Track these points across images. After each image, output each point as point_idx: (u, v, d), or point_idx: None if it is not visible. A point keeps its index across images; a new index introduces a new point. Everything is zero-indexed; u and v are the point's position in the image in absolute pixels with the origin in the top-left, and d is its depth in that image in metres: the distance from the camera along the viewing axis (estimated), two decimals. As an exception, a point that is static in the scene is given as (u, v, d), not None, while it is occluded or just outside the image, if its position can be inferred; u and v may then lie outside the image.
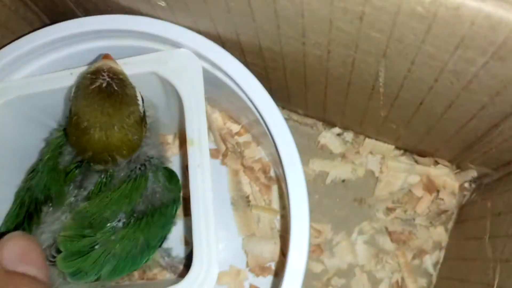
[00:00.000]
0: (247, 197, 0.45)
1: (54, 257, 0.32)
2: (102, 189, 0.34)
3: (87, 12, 0.40)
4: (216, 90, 0.37)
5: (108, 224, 0.34)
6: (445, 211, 0.44)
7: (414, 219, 0.45)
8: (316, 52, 0.32)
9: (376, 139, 0.46)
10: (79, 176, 0.35)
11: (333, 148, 0.47)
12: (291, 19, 0.28)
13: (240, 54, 0.37)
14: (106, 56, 0.33)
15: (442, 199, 0.44)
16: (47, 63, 0.37)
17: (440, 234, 0.44)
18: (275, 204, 0.45)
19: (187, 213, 0.34)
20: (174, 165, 0.41)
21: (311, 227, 0.45)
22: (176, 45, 0.35)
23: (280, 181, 0.44)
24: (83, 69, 0.35)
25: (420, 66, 0.28)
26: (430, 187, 0.44)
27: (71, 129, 0.33)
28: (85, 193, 0.35)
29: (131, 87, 0.33)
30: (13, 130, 0.38)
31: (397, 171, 0.45)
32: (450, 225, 0.44)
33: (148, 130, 0.36)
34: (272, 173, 0.45)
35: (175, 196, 0.37)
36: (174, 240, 0.44)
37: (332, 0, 0.25)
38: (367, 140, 0.46)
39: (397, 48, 0.27)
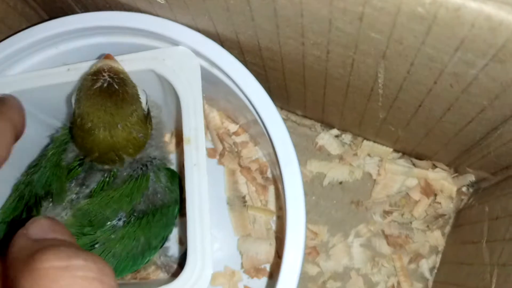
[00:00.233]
0: (244, 197, 0.45)
1: None
2: (105, 188, 0.35)
3: (86, 8, 0.40)
4: (214, 88, 0.37)
5: (108, 223, 0.34)
6: (442, 215, 0.44)
7: (411, 223, 0.44)
8: (315, 53, 0.31)
9: (374, 142, 0.45)
10: (82, 174, 0.35)
11: (331, 149, 0.46)
12: (290, 18, 0.28)
13: (239, 53, 0.36)
14: (107, 56, 0.33)
15: (440, 203, 0.44)
16: (45, 58, 0.37)
17: (437, 238, 0.44)
18: (272, 205, 0.45)
19: (183, 212, 0.34)
20: (171, 163, 0.41)
21: (307, 228, 0.45)
22: (174, 42, 0.34)
23: (277, 181, 0.44)
24: (80, 65, 0.35)
25: (420, 68, 0.28)
26: (428, 190, 0.44)
27: (76, 131, 0.34)
28: (87, 191, 0.35)
29: (132, 85, 0.33)
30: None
31: (394, 174, 0.45)
32: (447, 229, 0.44)
33: (153, 131, 0.36)
34: (269, 174, 0.45)
35: (177, 196, 0.37)
36: (169, 239, 0.44)
37: (331, 0, 0.25)
38: (365, 142, 0.45)
39: (397, 49, 0.27)
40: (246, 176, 0.45)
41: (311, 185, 0.46)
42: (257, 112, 0.33)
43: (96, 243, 0.33)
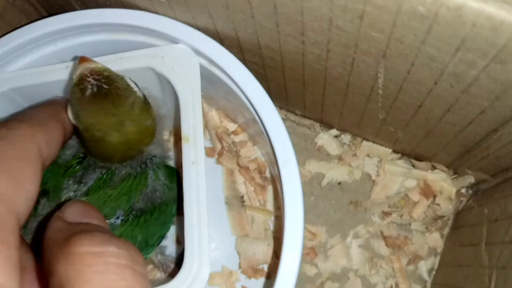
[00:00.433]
0: (242, 197, 0.45)
1: None
2: (102, 186, 0.34)
3: (85, 5, 0.40)
4: (213, 87, 0.37)
5: (106, 221, 0.33)
6: (441, 217, 0.44)
7: (410, 224, 0.44)
8: (315, 51, 0.31)
9: (374, 142, 0.45)
10: (80, 172, 0.35)
11: (330, 150, 0.46)
12: (291, 16, 0.28)
13: (239, 51, 0.36)
14: (82, 59, 0.32)
15: (439, 205, 0.44)
16: (43, 55, 0.37)
17: (435, 240, 0.43)
18: (270, 205, 0.44)
19: (180, 211, 0.34)
20: (171, 160, 0.41)
21: (305, 229, 0.44)
22: (173, 40, 0.34)
23: (276, 181, 0.44)
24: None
25: (420, 68, 0.28)
26: (427, 192, 0.44)
27: (88, 144, 0.33)
28: (84, 188, 0.34)
29: (119, 79, 0.32)
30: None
31: (394, 175, 0.45)
32: (446, 231, 0.44)
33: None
34: (267, 174, 0.45)
35: (175, 194, 0.37)
36: (167, 239, 0.43)
37: (332, -2, 0.24)
38: (365, 142, 0.45)
39: (397, 48, 0.26)
40: (244, 175, 0.44)
41: (310, 185, 0.46)
42: (256, 111, 0.33)
43: None
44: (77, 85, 0.31)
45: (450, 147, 0.38)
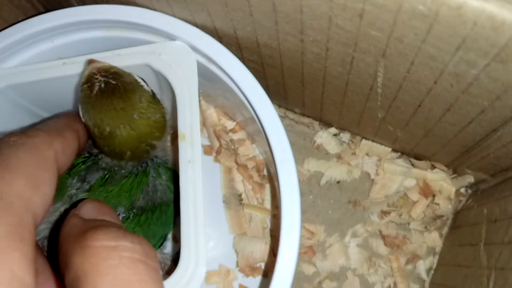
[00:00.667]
0: (240, 195, 0.44)
1: None
2: (104, 184, 0.34)
3: (83, 2, 0.39)
4: (211, 85, 0.36)
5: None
6: (440, 216, 0.43)
7: (408, 224, 0.44)
8: (314, 50, 0.31)
9: (373, 141, 0.45)
10: (84, 171, 0.35)
11: (329, 148, 0.46)
12: (290, 15, 0.28)
13: (237, 49, 0.36)
14: (90, 62, 0.33)
15: (438, 204, 0.43)
16: (40, 52, 0.36)
17: (434, 239, 0.43)
18: (268, 204, 0.44)
19: (177, 210, 0.33)
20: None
21: (304, 228, 0.44)
22: (170, 37, 0.34)
23: (274, 180, 0.43)
24: (76, 59, 0.35)
25: (420, 67, 0.27)
26: (426, 191, 0.44)
27: (99, 142, 0.33)
28: (87, 186, 0.34)
29: (127, 75, 0.33)
30: (3, 120, 0.37)
31: (393, 174, 0.45)
32: (445, 230, 0.44)
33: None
34: (265, 172, 0.45)
35: (175, 196, 0.37)
36: (168, 240, 0.43)
37: (331, -5, 0.24)
38: (364, 141, 0.45)
39: (397, 47, 0.26)
40: (242, 174, 0.44)
41: (309, 184, 0.46)
42: (253, 110, 0.33)
43: None
44: (86, 83, 0.32)
45: (449, 147, 0.38)
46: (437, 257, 0.43)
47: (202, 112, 0.44)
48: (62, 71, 0.35)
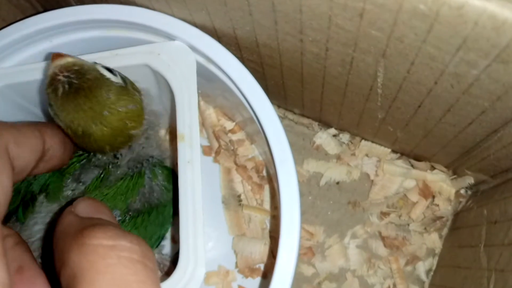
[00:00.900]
0: (239, 196, 0.44)
1: None
2: (99, 185, 0.34)
3: (81, 1, 0.39)
4: (211, 85, 0.36)
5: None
6: (440, 218, 0.43)
7: (408, 225, 0.44)
8: (314, 50, 0.31)
9: (373, 142, 0.45)
10: (78, 170, 0.34)
11: (328, 149, 0.46)
12: (289, 14, 0.28)
13: (237, 49, 0.36)
14: (53, 57, 0.31)
15: (438, 205, 0.43)
16: (38, 51, 0.36)
17: (434, 240, 0.43)
18: (267, 204, 0.44)
19: (176, 211, 0.33)
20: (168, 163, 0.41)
21: (303, 229, 0.44)
22: (169, 37, 0.34)
23: (273, 180, 0.43)
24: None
25: (420, 67, 0.27)
26: (426, 192, 0.44)
27: (76, 141, 0.33)
28: (82, 187, 0.34)
29: (91, 70, 0.31)
30: (2, 119, 0.37)
31: (392, 175, 0.44)
32: (445, 231, 0.43)
33: (148, 130, 0.35)
34: (265, 173, 0.45)
35: (173, 194, 0.37)
36: (165, 239, 0.43)
37: (331, -5, 0.24)
38: (363, 142, 0.45)
39: (397, 47, 0.26)
40: (242, 174, 0.44)
41: (308, 185, 0.45)
42: (252, 110, 0.32)
43: None
44: (49, 86, 0.31)
45: (449, 148, 0.37)
46: (436, 258, 0.43)
47: (201, 112, 0.44)
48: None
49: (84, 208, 0.26)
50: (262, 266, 0.43)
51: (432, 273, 0.43)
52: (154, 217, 0.35)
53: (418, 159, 0.44)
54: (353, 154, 0.45)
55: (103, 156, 0.35)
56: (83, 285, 0.20)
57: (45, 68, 0.34)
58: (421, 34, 0.24)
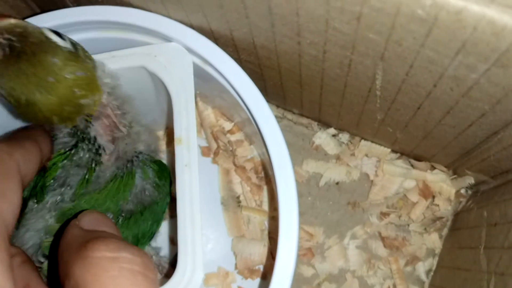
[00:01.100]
0: (238, 197, 0.44)
1: (40, 262, 0.31)
2: (88, 188, 0.33)
3: (78, 2, 0.39)
4: (208, 85, 0.36)
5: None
6: (440, 218, 0.43)
7: (408, 225, 0.44)
8: (311, 52, 0.30)
9: (372, 142, 0.44)
10: (63, 173, 0.33)
11: (328, 149, 0.46)
12: (286, 17, 0.27)
13: (234, 50, 0.35)
14: None
15: (438, 205, 0.43)
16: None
17: (434, 241, 0.43)
18: (266, 205, 0.44)
19: (174, 214, 0.33)
20: (161, 154, 0.40)
21: (302, 230, 0.44)
22: (166, 38, 0.33)
23: (272, 182, 0.43)
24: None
25: (419, 71, 0.27)
26: (426, 192, 0.43)
27: (20, 111, 0.31)
28: (70, 192, 0.33)
29: (34, 33, 0.29)
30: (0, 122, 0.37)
31: (392, 175, 0.44)
32: (445, 232, 0.43)
33: (130, 123, 0.34)
34: (263, 173, 0.44)
35: (166, 191, 0.36)
36: (162, 239, 0.43)
37: (328, -2, 0.24)
38: (363, 142, 0.45)
39: (396, 51, 0.26)
40: (240, 175, 0.44)
41: (307, 185, 0.45)
42: (249, 112, 0.32)
43: None
44: None
45: (449, 149, 0.37)
46: (436, 259, 0.43)
47: (199, 113, 0.44)
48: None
49: (88, 221, 0.27)
50: (261, 267, 0.43)
51: (432, 273, 0.43)
52: (147, 216, 0.35)
53: (418, 159, 0.44)
54: (353, 154, 0.45)
55: (84, 152, 0.33)
56: None
57: None
58: (419, 38, 0.23)
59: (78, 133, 0.33)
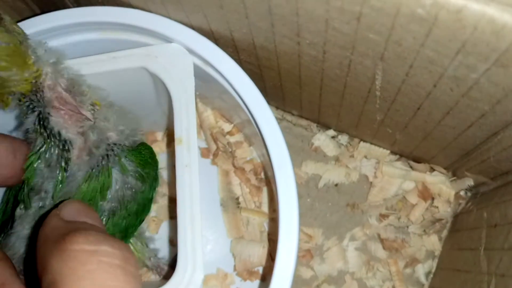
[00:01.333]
0: (237, 198, 0.44)
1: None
2: (63, 191, 0.32)
3: (78, 3, 0.39)
4: (208, 87, 0.36)
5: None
6: (439, 220, 0.43)
7: (407, 227, 0.44)
8: (311, 52, 0.31)
9: (371, 143, 0.45)
10: (38, 178, 0.32)
11: (327, 150, 0.46)
12: (286, 17, 0.27)
13: (234, 51, 0.35)
14: None
15: (437, 207, 0.43)
16: (34, 54, 0.36)
17: (433, 243, 0.43)
18: (265, 207, 0.44)
19: (174, 215, 0.33)
20: (162, 164, 0.40)
21: (301, 231, 0.44)
22: (167, 39, 0.33)
23: (271, 183, 0.43)
24: (70, 62, 0.34)
25: (419, 71, 0.27)
26: (425, 194, 0.43)
27: None
28: (49, 196, 0.32)
29: None
30: (1, 122, 0.37)
31: (391, 177, 0.44)
32: (444, 234, 0.43)
33: (103, 109, 0.32)
34: (263, 175, 0.44)
35: (152, 176, 0.34)
36: (161, 241, 0.43)
37: (328, -2, 0.24)
38: (362, 143, 0.45)
39: (396, 51, 0.26)
40: (240, 177, 0.44)
41: (306, 187, 0.45)
42: (250, 112, 0.32)
43: None
44: None
45: (449, 150, 0.37)
46: (436, 260, 0.43)
47: (199, 114, 0.44)
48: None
49: (68, 211, 0.26)
50: (260, 269, 0.43)
51: (431, 275, 0.43)
52: (131, 209, 0.34)
53: (417, 160, 0.44)
54: (352, 156, 0.45)
55: (53, 149, 0.31)
56: None
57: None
58: (419, 38, 0.23)
59: (39, 127, 0.31)
